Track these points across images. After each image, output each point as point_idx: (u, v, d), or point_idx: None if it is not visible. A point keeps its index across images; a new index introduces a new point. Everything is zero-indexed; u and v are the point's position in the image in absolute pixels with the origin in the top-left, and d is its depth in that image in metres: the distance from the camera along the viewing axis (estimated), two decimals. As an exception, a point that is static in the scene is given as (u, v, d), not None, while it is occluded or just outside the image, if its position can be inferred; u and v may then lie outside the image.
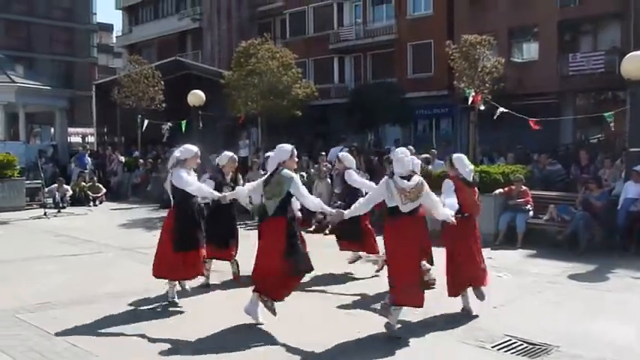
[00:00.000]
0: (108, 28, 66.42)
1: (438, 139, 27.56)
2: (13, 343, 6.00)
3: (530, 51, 27.63)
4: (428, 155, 15.14)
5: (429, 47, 29.47)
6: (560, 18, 25.57)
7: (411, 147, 15.06)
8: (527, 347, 5.91)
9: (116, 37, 56.77)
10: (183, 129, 20.31)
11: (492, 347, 5.95)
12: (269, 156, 7.17)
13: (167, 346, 5.99)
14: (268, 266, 6.41)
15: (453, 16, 28.52)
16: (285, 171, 6.51)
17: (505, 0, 26.96)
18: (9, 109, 31.58)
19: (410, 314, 6.70)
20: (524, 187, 12.37)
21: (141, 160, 23.00)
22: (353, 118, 28.30)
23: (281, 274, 6.37)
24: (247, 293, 6.68)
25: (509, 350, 5.87)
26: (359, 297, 7.90)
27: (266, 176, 6.75)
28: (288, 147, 6.71)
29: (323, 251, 9.25)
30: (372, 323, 6.47)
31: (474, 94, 15.25)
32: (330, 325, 6.66)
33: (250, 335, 6.26)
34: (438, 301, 7.03)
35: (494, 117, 14.64)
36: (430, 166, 14.39)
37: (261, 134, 22.48)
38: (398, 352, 5.84)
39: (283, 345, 5.95)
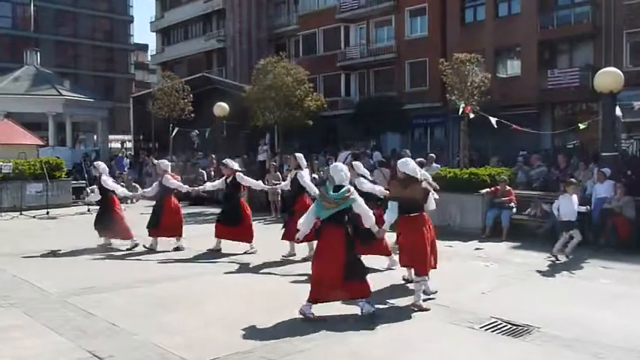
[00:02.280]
0: (144, 48, 66.71)
1: (433, 145, 27.62)
2: (60, 323, 6.03)
3: (513, 67, 27.48)
4: (422, 159, 15.12)
5: (424, 64, 29.37)
6: (540, 38, 25.45)
7: (406, 150, 15.02)
8: (511, 328, 5.90)
9: (151, 55, 56.92)
10: (206, 136, 20.38)
11: (480, 328, 5.94)
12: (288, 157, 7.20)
13: (201, 323, 6.02)
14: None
15: (446, 37, 28.49)
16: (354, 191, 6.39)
17: (491, 23, 27.01)
18: (58, 119, 31.88)
19: (407, 300, 6.72)
20: (508, 187, 12.35)
21: (172, 163, 23.04)
22: (358, 127, 28.33)
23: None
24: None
25: (495, 330, 5.86)
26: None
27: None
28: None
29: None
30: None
31: (464, 105, 15.20)
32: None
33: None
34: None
35: (495, 126, 14.58)
36: (424, 169, 14.40)
37: (278, 141, 22.52)
38: (392, 331, 5.85)
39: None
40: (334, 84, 34.36)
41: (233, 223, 10.18)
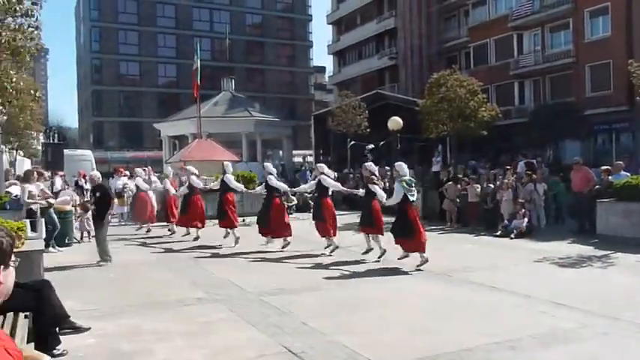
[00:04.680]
0: (322, 70, 69.75)
1: (618, 152, 24.87)
2: (258, 319, 6.37)
3: None
4: (608, 167, 13.80)
5: (607, 67, 26.72)
6: None
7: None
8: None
9: (328, 76, 59.27)
10: (379, 148, 20.49)
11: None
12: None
13: (387, 325, 6.02)
14: None
15: (632, 36, 25.64)
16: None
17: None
18: (249, 137, 34.51)
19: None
20: None
21: (350, 175, 23.67)
22: (533, 135, 26.64)
23: None
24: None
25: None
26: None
27: None
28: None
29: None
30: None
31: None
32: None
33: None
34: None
35: None
36: (611, 177, 13.10)
37: (450, 152, 22.03)
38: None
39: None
40: (507, 93, 32.74)
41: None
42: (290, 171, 32.37)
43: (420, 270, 9.17)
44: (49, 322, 4.98)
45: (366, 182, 10.61)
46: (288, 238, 11.56)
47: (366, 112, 24.69)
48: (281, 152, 40.80)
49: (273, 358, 5.15)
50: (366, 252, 10.36)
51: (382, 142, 20.96)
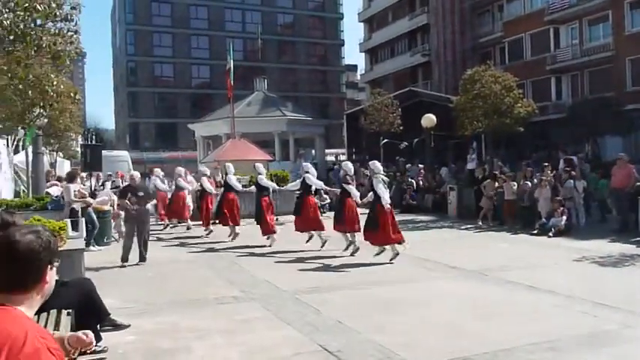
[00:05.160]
0: (353, 68, 69.53)
1: (662, 148, 24.17)
2: (294, 318, 6.41)
3: None
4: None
5: (649, 60, 26.00)
6: None
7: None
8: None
9: (360, 74, 59.11)
10: (407, 145, 20.38)
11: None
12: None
13: (421, 325, 5.99)
14: None
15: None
16: None
17: None
18: (282, 137, 34.67)
19: None
20: None
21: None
22: (570, 131, 26.01)
23: None
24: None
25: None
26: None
27: None
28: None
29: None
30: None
31: None
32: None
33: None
34: None
35: None
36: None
37: (485, 149, 21.73)
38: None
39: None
40: (543, 88, 32.07)
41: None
42: (322, 170, 32.40)
43: (392, 263, 9.70)
44: (90, 319, 5.10)
45: (341, 181, 11.35)
46: (323, 234, 11.57)
47: (399, 109, 24.53)
48: (313, 151, 40.86)
49: (309, 357, 5.17)
50: (348, 248, 10.81)
51: (416, 140, 20.83)
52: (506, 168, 18.19)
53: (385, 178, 10.25)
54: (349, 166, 11.64)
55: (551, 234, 12.77)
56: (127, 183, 11.19)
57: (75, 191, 11.22)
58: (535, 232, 13.27)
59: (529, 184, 14.86)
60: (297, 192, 12.58)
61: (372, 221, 9.87)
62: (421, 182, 20.72)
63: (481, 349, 5.18)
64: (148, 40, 55.22)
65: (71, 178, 11.48)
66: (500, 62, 34.13)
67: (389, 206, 9.84)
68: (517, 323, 5.99)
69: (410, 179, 20.81)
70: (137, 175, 11.04)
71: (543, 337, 5.49)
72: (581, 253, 10.49)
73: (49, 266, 1.77)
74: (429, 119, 19.42)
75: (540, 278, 8.22)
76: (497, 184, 15.57)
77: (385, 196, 9.80)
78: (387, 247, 9.90)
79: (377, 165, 10.31)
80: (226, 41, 47.59)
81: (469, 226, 15.20)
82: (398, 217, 17.37)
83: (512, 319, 6.12)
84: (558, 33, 31.38)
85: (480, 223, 15.23)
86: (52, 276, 1.79)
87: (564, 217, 13.23)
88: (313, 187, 12.06)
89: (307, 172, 11.84)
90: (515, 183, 15.21)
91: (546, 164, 15.75)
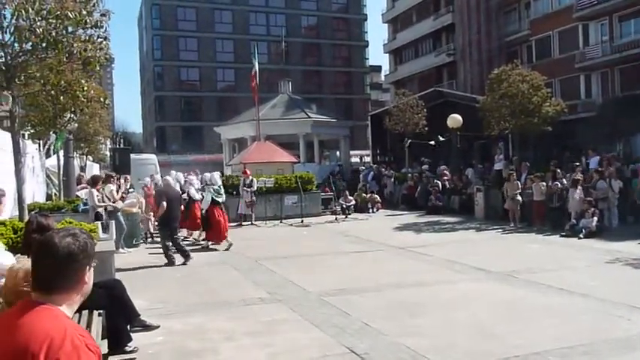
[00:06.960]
0: (377, 69, 69.24)
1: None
2: (321, 319, 6.41)
3: None
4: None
5: (683, 56, 25.30)
6: None
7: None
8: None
9: (384, 75, 58.85)
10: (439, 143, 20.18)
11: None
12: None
13: (447, 328, 5.92)
14: None
15: None
16: None
17: None
18: (307, 138, 34.72)
19: None
20: None
21: (409, 174, 23.40)
22: (601, 130, 25.44)
23: None
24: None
25: None
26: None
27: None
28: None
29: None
30: None
31: None
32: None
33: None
34: None
35: None
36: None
37: (512, 149, 21.41)
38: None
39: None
40: (572, 87, 31.46)
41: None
42: (347, 171, 32.36)
43: (227, 250, 11.90)
44: (121, 319, 5.17)
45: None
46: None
47: (424, 110, 24.32)
48: (338, 153, 40.87)
49: (336, 359, 5.15)
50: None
51: (442, 139, 20.65)
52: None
53: (216, 188, 12.47)
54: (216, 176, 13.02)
55: (581, 235, 12.52)
56: (160, 188, 11.32)
57: (109, 192, 11.42)
58: (564, 233, 13.04)
59: (558, 184, 14.60)
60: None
61: (205, 222, 12.59)
62: (447, 184, 20.54)
63: (512, 353, 5.10)
64: (174, 45, 55.89)
65: (95, 182, 11.63)
66: (527, 61, 33.59)
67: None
68: (549, 326, 5.88)
69: (435, 180, 20.68)
70: (170, 180, 11.19)
71: (576, 340, 5.38)
72: (614, 255, 10.26)
73: (87, 267, 1.82)
74: (454, 119, 19.22)
75: (572, 281, 8.06)
76: (519, 184, 15.32)
77: (206, 202, 12.39)
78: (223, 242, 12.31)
79: (215, 177, 12.72)
80: (251, 44, 47.94)
81: (496, 227, 15.01)
82: (424, 219, 17.37)
83: (544, 322, 6.01)
84: (587, 30, 30.74)
85: (512, 224, 15.03)
86: (90, 277, 1.84)
87: (595, 219, 12.97)
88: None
89: (191, 185, 13.45)
90: (544, 183, 14.94)
91: (577, 164, 15.46)
